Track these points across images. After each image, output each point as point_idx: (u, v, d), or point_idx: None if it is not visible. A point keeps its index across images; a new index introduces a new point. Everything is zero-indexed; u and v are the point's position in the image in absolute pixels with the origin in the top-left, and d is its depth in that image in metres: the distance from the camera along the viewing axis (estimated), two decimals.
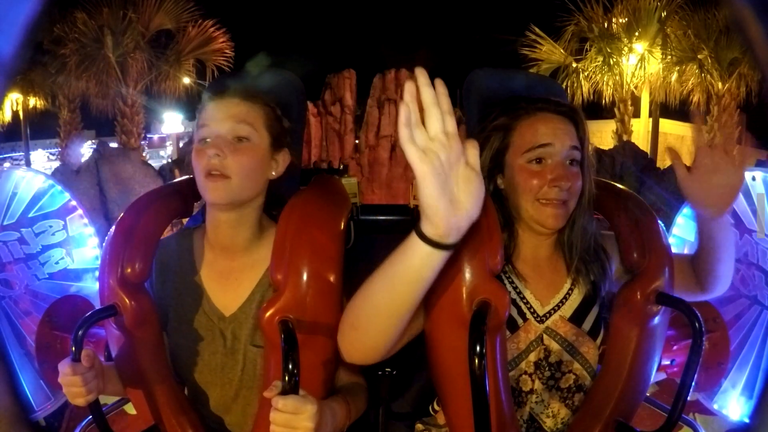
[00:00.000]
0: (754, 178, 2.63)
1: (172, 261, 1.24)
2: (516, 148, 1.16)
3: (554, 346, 1.15)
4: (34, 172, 2.88)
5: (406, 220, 1.74)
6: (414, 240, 0.83)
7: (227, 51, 11.38)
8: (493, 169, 1.19)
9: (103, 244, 1.23)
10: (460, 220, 0.81)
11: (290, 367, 0.90)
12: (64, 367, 1.00)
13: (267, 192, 1.22)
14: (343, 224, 1.17)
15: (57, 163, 12.22)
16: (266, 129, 1.18)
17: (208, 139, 1.14)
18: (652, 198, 5.10)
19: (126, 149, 6.87)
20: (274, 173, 1.21)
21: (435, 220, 0.79)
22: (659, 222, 1.22)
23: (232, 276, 1.21)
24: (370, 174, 7.43)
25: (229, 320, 1.20)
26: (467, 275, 1.04)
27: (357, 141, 7.65)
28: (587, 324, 1.17)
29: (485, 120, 1.22)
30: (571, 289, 1.19)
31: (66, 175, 5.22)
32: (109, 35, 10.45)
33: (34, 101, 12.57)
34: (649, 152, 8.52)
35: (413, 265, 0.84)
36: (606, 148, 6.15)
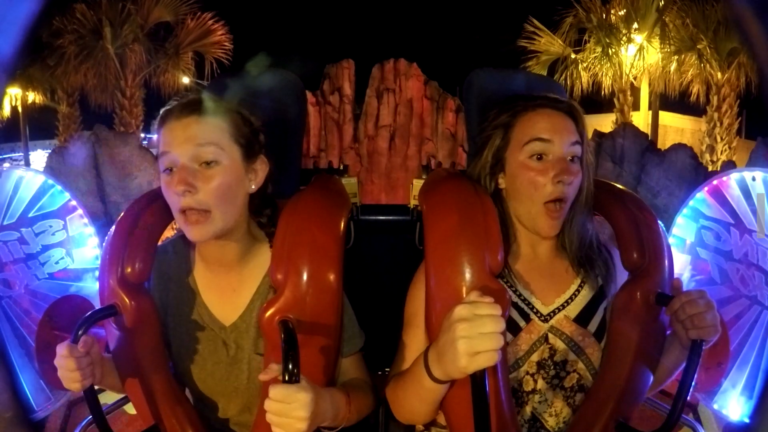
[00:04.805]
0: (754, 179, 2.63)
1: (170, 270, 1.23)
2: (516, 143, 1.16)
3: (560, 345, 1.15)
4: (34, 172, 2.87)
5: (406, 220, 1.74)
6: (423, 375, 0.98)
7: (226, 43, 11.34)
8: (494, 166, 1.19)
9: (103, 243, 1.23)
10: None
11: (290, 367, 0.90)
12: (62, 348, 0.99)
13: (250, 201, 1.17)
14: (343, 224, 1.17)
15: None
16: (235, 142, 1.09)
17: (172, 169, 1.06)
18: (653, 181, 5.05)
19: (124, 134, 6.80)
20: (254, 186, 1.14)
21: (448, 369, 0.92)
22: (659, 222, 1.22)
23: (229, 287, 1.19)
24: (369, 164, 7.39)
25: (230, 329, 1.18)
26: (467, 275, 1.04)
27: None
28: (593, 325, 1.17)
29: (485, 120, 1.22)
30: (578, 290, 1.19)
31: (62, 157, 5.16)
32: (107, 27, 10.42)
33: (33, 96, 12.47)
34: None
35: (424, 389, 1.01)
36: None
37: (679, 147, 5.28)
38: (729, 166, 5.25)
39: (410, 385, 1.05)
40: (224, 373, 1.19)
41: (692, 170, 5.11)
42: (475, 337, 0.87)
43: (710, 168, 8.40)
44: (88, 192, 5.02)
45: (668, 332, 1.17)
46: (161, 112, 1.10)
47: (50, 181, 2.82)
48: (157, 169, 1.12)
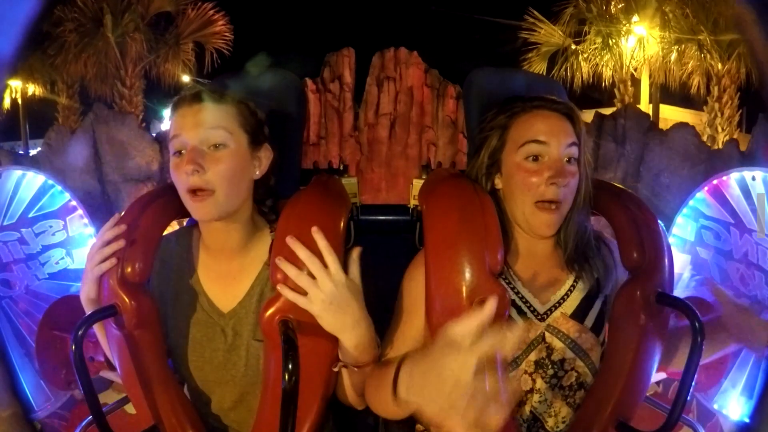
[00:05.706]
0: (754, 178, 2.64)
1: (172, 259, 1.25)
2: (512, 144, 1.16)
3: (557, 343, 1.15)
4: (35, 172, 2.88)
5: (406, 220, 1.74)
6: (390, 396, 0.94)
7: (227, 34, 11.28)
8: (491, 167, 1.19)
9: None
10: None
11: (290, 366, 0.90)
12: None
13: (255, 189, 1.21)
14: (343, 224, 1.17)
15: None
16: (242, 128, 1.15)
17: (182, 151, 1.11)
18: (655, 161, 4.99)
19: (122, 113, 6.74)
20: (258, 173, 1.19)
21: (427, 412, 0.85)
22: (659, 221, 1.22)
23: (230, 275, 1.21)
24: (370, 153, 7.35)
25: (228, 316, 1.20)
26: (467, 275, 1.04)
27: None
28: (589, 320, 1.17)
29: (484, 121, 1.22)
30: (573, 285, 1.19)
31: (61, 135, 5.13)
32: (108, 15, 10.38)
33: (33, 88, 12.34)
34: None
35: (390, 403, 0.96)
36: None
37: (681, 126, 5.25)
38: (732, 144, 5.20)
39: (382, 388, 1.00)
40: (222, 360, 1.19)
41: (695, 149, 5.06)
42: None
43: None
44: (86, 171, 5.00)
45: (667, 331, 1.17)
46: (174, 99, 1.16)
47: (50, 182, 2.83)
48: (155, 150, 1.15)
